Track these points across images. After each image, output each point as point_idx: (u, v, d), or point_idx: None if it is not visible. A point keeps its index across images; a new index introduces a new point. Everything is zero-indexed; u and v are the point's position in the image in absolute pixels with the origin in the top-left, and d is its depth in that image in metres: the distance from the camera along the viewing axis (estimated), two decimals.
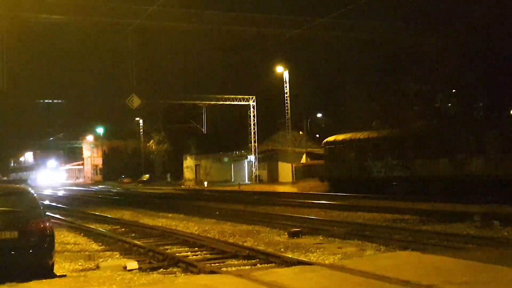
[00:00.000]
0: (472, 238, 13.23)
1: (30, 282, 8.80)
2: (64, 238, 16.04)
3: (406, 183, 32.56)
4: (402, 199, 26.99)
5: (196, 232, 16.60)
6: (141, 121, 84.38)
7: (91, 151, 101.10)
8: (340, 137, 39.19)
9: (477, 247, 11.64)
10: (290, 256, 11.34)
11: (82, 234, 17.51)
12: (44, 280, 9.11)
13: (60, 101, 64.55)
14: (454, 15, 42.69)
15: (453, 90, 45.20)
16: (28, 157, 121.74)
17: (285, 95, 55.20)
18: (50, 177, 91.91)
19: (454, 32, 40.58)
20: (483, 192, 26.07)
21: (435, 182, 30.25)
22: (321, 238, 14.44)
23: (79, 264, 11.61)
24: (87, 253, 13.25)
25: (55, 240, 9.96)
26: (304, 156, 59.34)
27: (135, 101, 57.33)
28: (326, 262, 10.51)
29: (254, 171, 60.21)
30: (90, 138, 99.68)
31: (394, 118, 43.55)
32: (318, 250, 12.35)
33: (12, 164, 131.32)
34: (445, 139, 30.54)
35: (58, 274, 10.03)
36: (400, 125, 37.26)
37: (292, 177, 54.10)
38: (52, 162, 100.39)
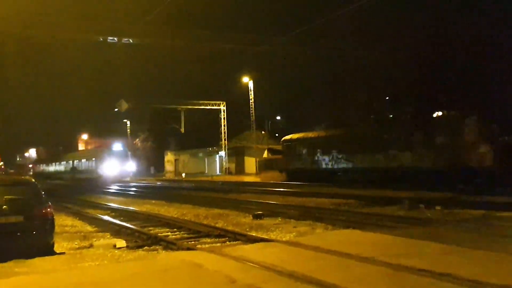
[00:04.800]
0: (402, 219, 13.43)
1: (34, 259, 8.72)
2: (63, 221, 15.73)
3: (349, 174, 32.94)
4: (345, 187, 27.29)
5: (175, 216, 16.47)
6: (128, 122, 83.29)
7: (85, 148, 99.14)
8: (295, 136, 39.42)
9: (406, 226, 11.81)
10: (254, 234, 11.35)
11: (78, 218, 17.22)
12: (46, 257, 9.04)
13: (59, 106, 64.10)
14: (389, 37, 43.38)
15: (387, 98, 45.86)
16: (32, 152, 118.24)
17: (250, 101, 55.48)
18: (119, 168, 52.50)
19: (388, 50, 41.25)
20: (410, 181, 26.52)
21: (372, 173, 30.65)
22: (280, 219, 14.48)
23: (76, 243, 11.41)
24: (82, 234, 13.03)
25: (55, 223, 9.85)
26: (266, 152, 59.38)
27: (123, 105, 57.35)
28: (284, 239, 10.55)
29: (224, 164, 60.10)
30: (84, 136, 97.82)
31: (339, 120, 43.94)
32: (277, 229, 12.38)
33: (18, 159, 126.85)
34: (380, 138, 30.98)
35: (57, 252, 9.89)
36: (344, 126, 37.60)
37: (256, 169, 54.17)
38: (117, 146, 55.33)
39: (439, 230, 10.44)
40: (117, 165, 51.07)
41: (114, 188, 36.94)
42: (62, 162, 70.53)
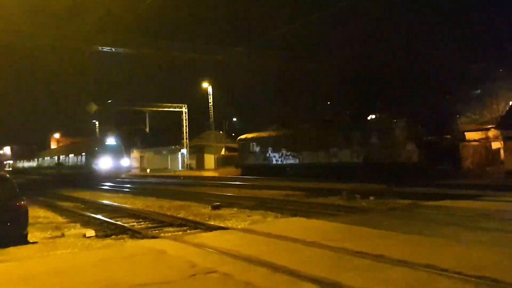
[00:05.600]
0: (342, 207, 13.60)
1: (9, 248, 8.46)
2: (36, 213, 15.16)
3: (296, 169, 33.30)
4: (293, 180, 27.56)
5: (141, 208, 16.16)
6: (97, 123, 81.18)
7: (57, 146, 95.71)
8: (249, 135, 39.53)
9: (345, 214, 11.99)
10: (212, 223, 11.28)
11: (51, 210, 16.63)
12: (20, 246, 8.78)
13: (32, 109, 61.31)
14: (331, 49, 44.11)
15: (328, 102, 46.65)
16: (6, 150, 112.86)
17: (209, 104, 55.34)
18: (113, 163, 40.43)
19: (330, 61, 41.94)
20: (349, 175, 27.07)
21: (316, 168, 31.10)
22: (236, 209, 14.45)
23: (48, 233, 11.03)
24: (54, 224, 12.61)
25: (29, 215, 9.52)
26: (223, 149, 59.32)
27: (93, 107, 56.31)
28: (239, 226, 10.55)
29: (186, 160, 59.56)
30: (56, 135, 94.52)
31: (287, 121, 44.31)
32: (233, 218, 12.36)
33: None
34: (323, 137, 31.47)
35: (31, 241, 9.53)
36: (292, 127, 38.01)
37: (215, 165, 54.04)
38: (111, 140, 42.76)
39: (373, 217, 10.68)
40: (111, 160, 40.58)
41: (88, 183, 35.01)
42: (46, 158, 60.19)
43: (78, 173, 42.23)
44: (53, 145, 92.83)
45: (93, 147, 42.14)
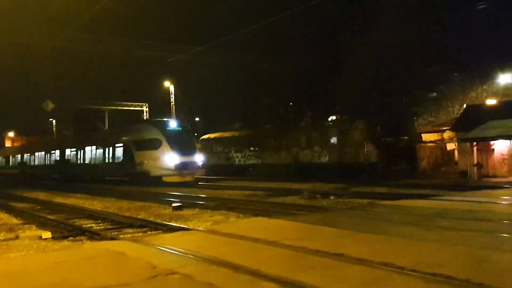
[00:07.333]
0: (303, 207, 13.76)
1: None
2: None
3: (258, 168, 33.44)
4: (255, 180, 27.64)
5: (99, 208, 15.76)
6: (54, 121, 78.59)
7: (12, 145, 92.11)
8: (212, 135, 39.42)
9: (306, 213, 12.08)
10: (174, 224, 11.13)
11: (4, 211, 15.97)
12: None
13: None
14: (292, 50, 44.54)
15: (291, 103, 47.04)
16: None
17: (171, 103, 54.81)
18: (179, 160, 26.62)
19: (292, 62, 42.38)
20: (310, 175, 27.42)
21: (278, 168, 31.34)
22: (197, 210, 14.32)
23: (2, 235, 10.58)
24: (8, 226, 12.09)
25: None
26: None
27: (49, 105, 54.32)
28: (201, 227, 10.46)
29: None
30: (11, 134, 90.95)
31: (250, 122, 44.37)
32: (195, 219, 12.24)
33: None
34: (285, 138, 31.76)
35: None
36: (254, 127, 38.13)
37: None
38: (173, 123, 30.22)
39: (333, 216, 10.83)
40: (177, 154, 26.98)
41: (37, 181, 33.20)
42: (38, 153, 45.14)
43: (114, 173, 31.38)
44: (8, 144, 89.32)
45: (141, 135, 28.56)
